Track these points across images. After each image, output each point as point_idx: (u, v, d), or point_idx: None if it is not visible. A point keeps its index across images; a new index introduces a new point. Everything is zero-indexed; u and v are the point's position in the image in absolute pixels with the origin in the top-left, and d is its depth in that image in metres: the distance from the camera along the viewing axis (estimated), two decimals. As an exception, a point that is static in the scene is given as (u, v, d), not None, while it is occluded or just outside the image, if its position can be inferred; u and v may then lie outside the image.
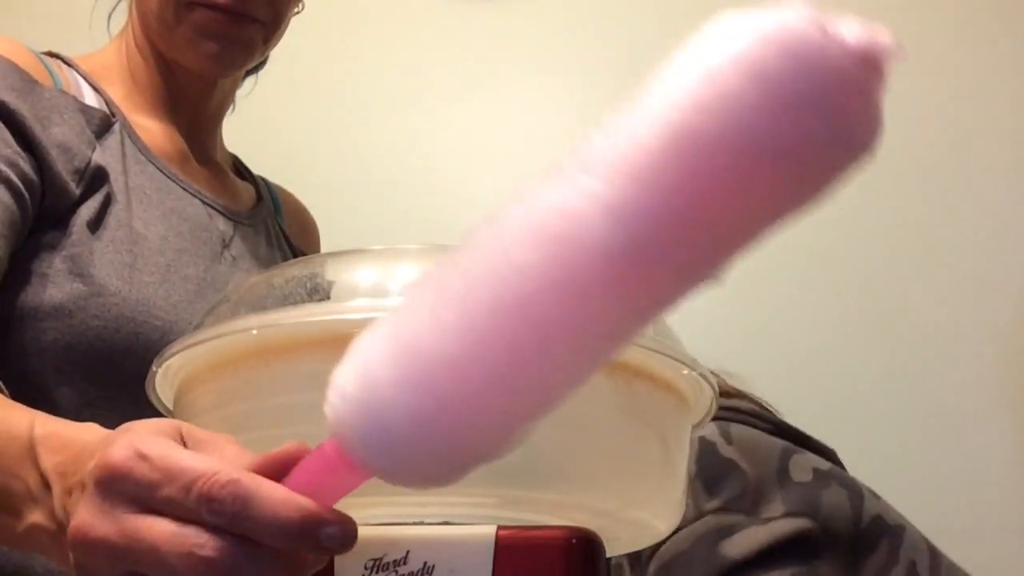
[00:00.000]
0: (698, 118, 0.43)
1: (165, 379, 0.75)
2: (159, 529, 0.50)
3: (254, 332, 0.66)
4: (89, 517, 0.52)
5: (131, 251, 0.96)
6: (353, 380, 0.48)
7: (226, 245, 1.07)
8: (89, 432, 0.61)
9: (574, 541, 0.64)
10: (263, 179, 1.23)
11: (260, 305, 0.71)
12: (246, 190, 1.19)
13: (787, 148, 0.42)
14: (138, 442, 0.53)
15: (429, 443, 0.47)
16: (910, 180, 1.59)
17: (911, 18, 1.66)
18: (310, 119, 1.70)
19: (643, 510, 0.74)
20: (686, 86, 0.44)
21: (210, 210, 1.07)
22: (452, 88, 1.69)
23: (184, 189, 1.06)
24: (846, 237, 1.58)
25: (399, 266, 0.74)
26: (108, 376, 0.94)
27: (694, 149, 0.42)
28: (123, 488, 0.52)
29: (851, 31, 0.42)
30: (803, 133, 0.42)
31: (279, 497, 0.50)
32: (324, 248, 1.33)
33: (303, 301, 0.71)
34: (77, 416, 0.80)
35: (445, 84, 1.69)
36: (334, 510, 0.51)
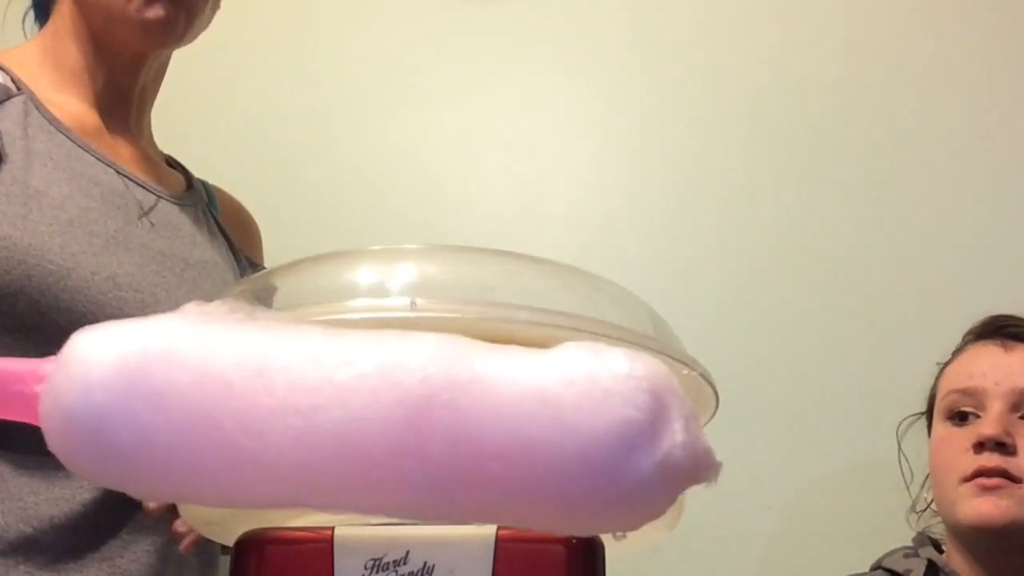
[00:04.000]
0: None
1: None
2: None
3: (254, 332, 0.66)
4: None
5: (25, 204, 0.97)
6: (114, 364, 0.47)
7: (144, 213, 1.07)
8: None
9: (574, 541, 0.64)
10: (200, 180, 1.24)
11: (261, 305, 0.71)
12: (174, 176, 1.19)
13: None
14: None
15: (112, 460, 0.47)
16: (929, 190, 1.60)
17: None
18: (309, 119, 1.70)
19: (643, 510, 0.74)
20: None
21: (126, 180, 1.08)
22: (451, 88, 1.69)
23: (98, 159, 1.06)
24: (852, 244, 1.58)
25: (398, 266, 0.74)
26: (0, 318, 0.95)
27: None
28: None
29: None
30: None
31: None
32: (322, 248, 1.33)
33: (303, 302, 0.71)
34: None
35: (444, 84, 1.69)
36: None
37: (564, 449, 0.44)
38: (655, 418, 0.45)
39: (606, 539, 0.67)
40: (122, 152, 1.11)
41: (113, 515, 0.99)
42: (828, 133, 1.59)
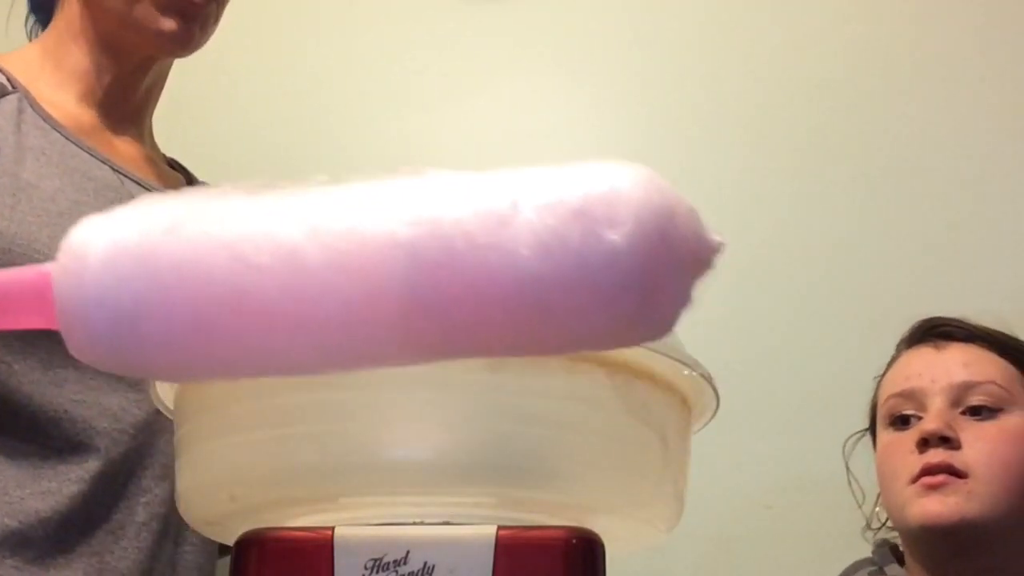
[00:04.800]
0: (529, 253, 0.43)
1: (165, 379, 0.75)
2: None
3: (254, 332, 0.66)
4: None
5: (14, 195, 0.97)
6: (105, 248, 0.46)
7: None
8: None
9: (574, 541, 0.64)
10: (204, 182, 1.24)
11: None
12: (175, 176, 1.19)
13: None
14: None
15: (133, 340, 0.46)
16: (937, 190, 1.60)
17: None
18: (310, 119, 1.70)
19: (643, 510, 0.74)
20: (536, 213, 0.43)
21: (122, 177, 1.08)
22: (452, 89, 1.69)
23: (93, 156, 1.06)
24: (850, 240, 1.58)
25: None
26: None
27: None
28: None
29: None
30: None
31: None
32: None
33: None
34: None
35: (445, 85, 1.69)
36: None
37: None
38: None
39: (606, 539, 0.67)
40: (120, 150, 1.11)
41: (102, 509, 0.98)
42: (828, 134, 1.59)
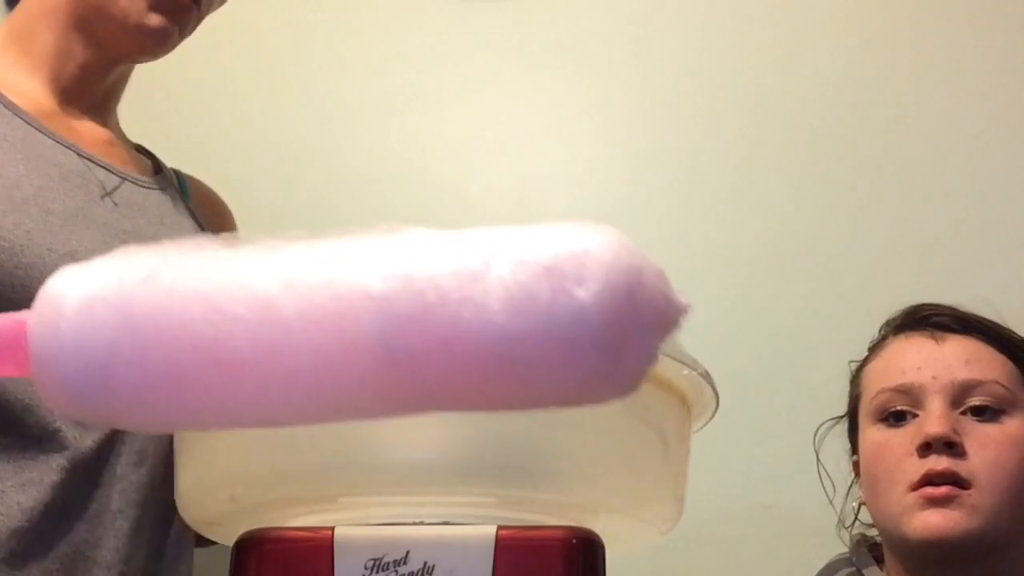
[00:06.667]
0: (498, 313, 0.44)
1: (165, 379, 0.74)
2: None
3: (254, 332, 0.66)
4: None
5: None
6: (81, 297, 0.47)
7: (107, 192, 1.06)
8: None
9: (574, 541, 0.64)
10: (174, 169, 1.23)
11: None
12: (142, 161, 1.18)
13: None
14: None
15: (106, 390, 0.46)
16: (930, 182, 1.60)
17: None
18: (309, 119, 1.70)
19: (643, 510, 0.74)
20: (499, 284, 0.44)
21: (88, 162, 1.06)
22: (452, 88, 1.69)
23: (57, 142, 1.05)
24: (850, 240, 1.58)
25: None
26: None
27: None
28: None
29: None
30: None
31: None
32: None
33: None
34: None
35: (444, 84, 1.69)
36: None
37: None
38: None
39: (606, 539, 0.67)
40: (84, 135, 1.10)
41: (81, 498, 0.97)
42: (829, 135, 1.59)
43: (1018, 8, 1.61)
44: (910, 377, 1.08)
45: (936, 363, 1.08)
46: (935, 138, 1.59)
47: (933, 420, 1.04)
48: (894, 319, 1.16)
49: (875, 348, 1.15)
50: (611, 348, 0.44)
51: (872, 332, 1.29)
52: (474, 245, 0.47)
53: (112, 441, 0.99)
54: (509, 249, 0.46)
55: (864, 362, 1.16)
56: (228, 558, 0.69)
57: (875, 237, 1.55)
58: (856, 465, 1.18)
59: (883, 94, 1.60)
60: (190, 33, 1.12)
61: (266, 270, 0.47)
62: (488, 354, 0.44)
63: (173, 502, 0.87)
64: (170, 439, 0.98)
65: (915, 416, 1.06)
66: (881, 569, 1.13)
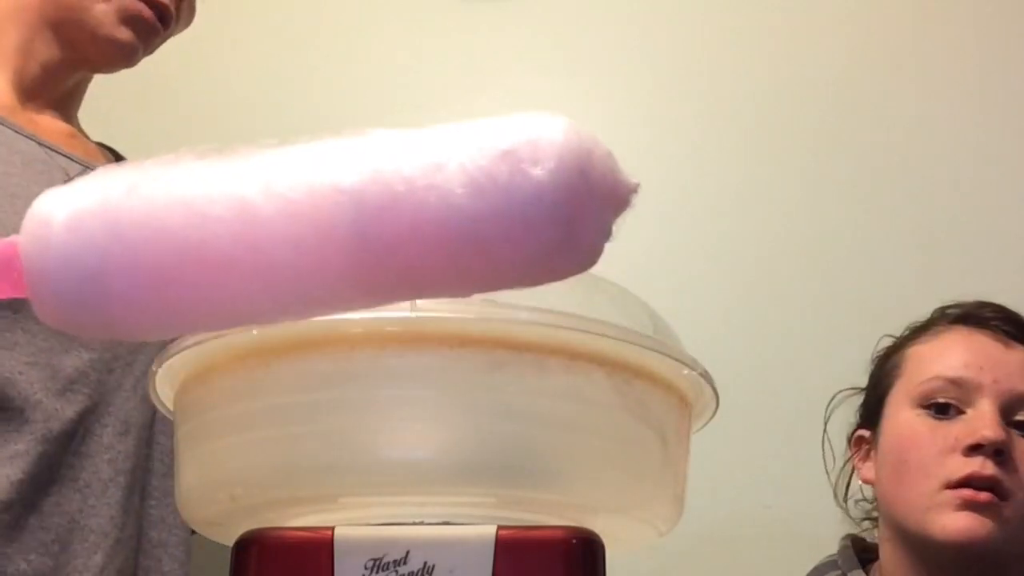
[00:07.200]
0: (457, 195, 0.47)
1: (166, 378, 0.75)
2: None
3: (254, 332, 0.66)
4: None
5: None
6: (69, 213, 0.49)
7: (71, 179, 1.06)
8: None
9: (574, 541, 0.64)
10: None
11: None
12: (104, 154, 1.18)
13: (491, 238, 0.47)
14: None
15: (100, 297, 0.48)
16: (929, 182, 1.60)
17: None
18: (309, 119, 1.70)
19: (643, 510, 0.74)
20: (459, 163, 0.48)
21: (49, 151, 1.07)
22: (452, 88, 1.69)
23: (17, 132, 1.06)
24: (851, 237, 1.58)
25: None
26: None
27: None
28: None
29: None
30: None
31: None
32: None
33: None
34: None
35: (444, 84, 1.69)
36: None
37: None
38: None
39: (606, 539, 0.67)
40: (44, 127, 1.10)
41: (70, 469, 0.98)
42: (831, 134, 1.59)
43: (1018, 8, 1.61)
44: (971, 372, 1.04)
45: (1000, 367, 1.05)
46: (939, 138, 1.59)
47: (989, 423, 1.00)
48: (951, 308, 1.12)
49: (926, 331, 1.12)
50: (567, 222, 0.47)
51: (874, 332, 1.29)
52: (436, 138, 0.51)
53: (94, 411, 1.00)
54: (468, 138, 0.49)
55: (908, 341, 1.12)
56: (228, 558, 0.69)
57: (877, 237, 1.55)
58: (860, 439, 1.15)
59: (886, 94, 1.60)
60: (151, 53, 1.13)
61: (242, 173, 0.49)
62: (454, 235, 0.46)
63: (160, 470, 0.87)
64: (153, 411, 0.99)
65: (960, 412, 1.03)
66: (870, 570, 1.12)
